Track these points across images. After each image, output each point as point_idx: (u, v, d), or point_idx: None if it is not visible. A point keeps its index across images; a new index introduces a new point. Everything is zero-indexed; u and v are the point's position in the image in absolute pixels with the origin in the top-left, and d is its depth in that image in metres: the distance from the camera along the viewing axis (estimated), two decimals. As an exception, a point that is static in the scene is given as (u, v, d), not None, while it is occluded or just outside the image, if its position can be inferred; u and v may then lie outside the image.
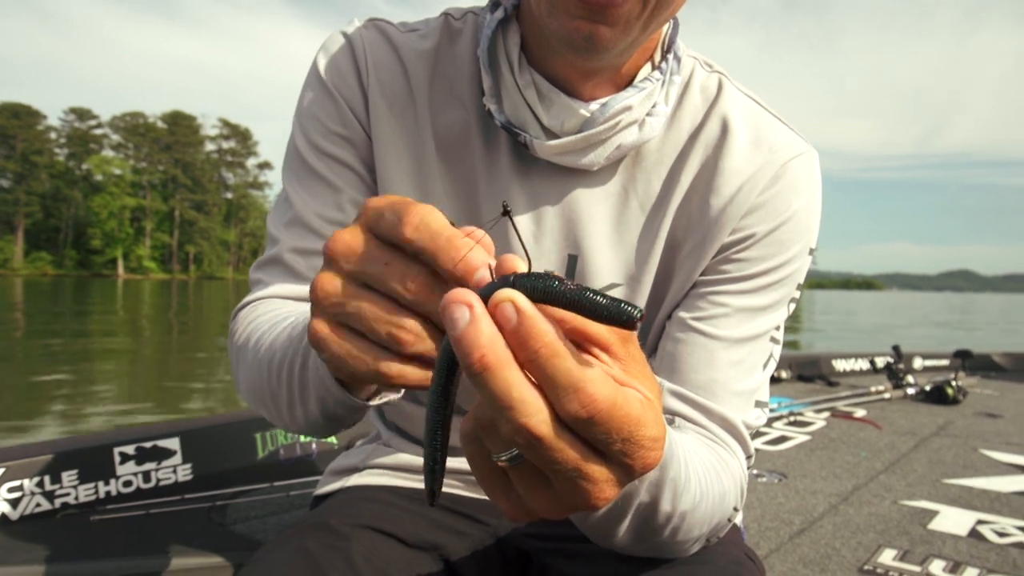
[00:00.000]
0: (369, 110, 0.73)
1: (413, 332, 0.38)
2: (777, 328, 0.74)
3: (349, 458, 0.90)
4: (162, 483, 1.78)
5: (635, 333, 0.36)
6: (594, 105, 0.69)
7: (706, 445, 0.66)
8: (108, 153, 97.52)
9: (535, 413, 0.32)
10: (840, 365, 4.49)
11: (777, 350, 0.76)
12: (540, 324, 0.32)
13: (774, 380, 4.16)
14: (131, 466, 1.75)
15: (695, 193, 0.73)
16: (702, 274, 0.73)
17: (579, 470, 0.35)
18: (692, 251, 0.73)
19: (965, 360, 4.11)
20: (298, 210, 0.73)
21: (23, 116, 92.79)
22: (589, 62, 0.66)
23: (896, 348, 4.13)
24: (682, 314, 0.72)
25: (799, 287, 0.76)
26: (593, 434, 0.34)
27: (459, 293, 0.32)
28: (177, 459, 1.82)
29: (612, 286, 0.75)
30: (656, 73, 0.71)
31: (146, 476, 1.77)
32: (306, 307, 0.69)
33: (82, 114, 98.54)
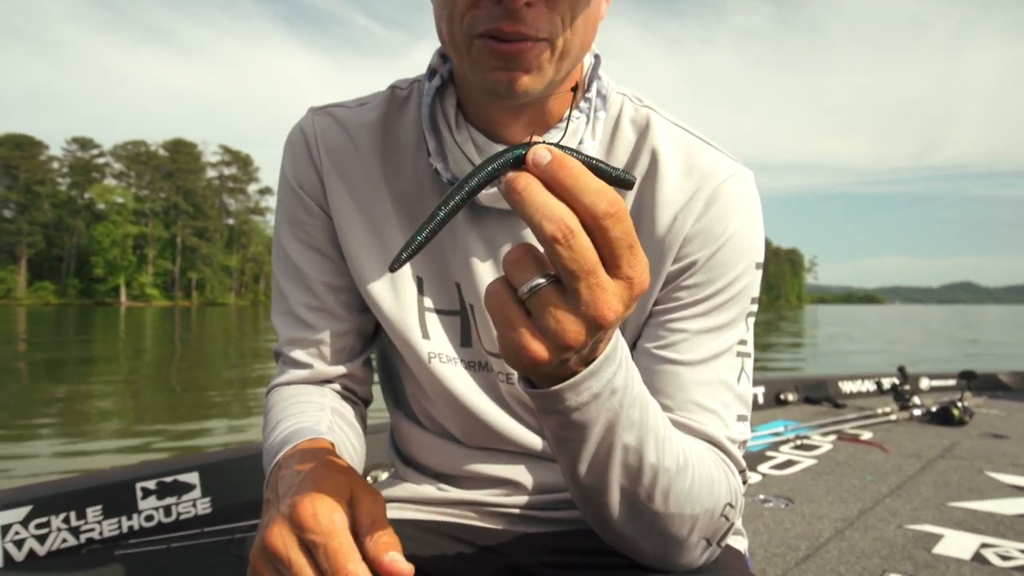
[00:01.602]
0: (326, 191, 0.82)
1: None
2: (742, 342, 0.77)
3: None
4: (182, 517, 1.82)
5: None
6: None
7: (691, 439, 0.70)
8: (110, 182, 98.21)
9: (566, 214, 0.43)
10: (847, 387, 4.50)
11: (748, 362, 0.78)
12: (567, 157, 0.44)
13: (780, 403, 4.18)
14: (152, 501, 1.79)
15: (635, 222, 0.76)
16: (657, 303, 0.77)
17: (595, 275, 0.44)
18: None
19: (970, 381, 4.13)
20: (288, 303, 0.86)
21: (25, 147, 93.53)
22: (514, 106, 0.73)
23: (902, 369, 4.15)
24: (646, 345, 0.75)
25: (754, 300, 0.78)
26: (615, 231, 0.44)
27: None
28: (197, 493, 1.86)
29: None
30: (577, 113, 0.76)
31: (167, 510, 1.81)
32: (329, 371, 0.86)
33: (84, 143, 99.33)
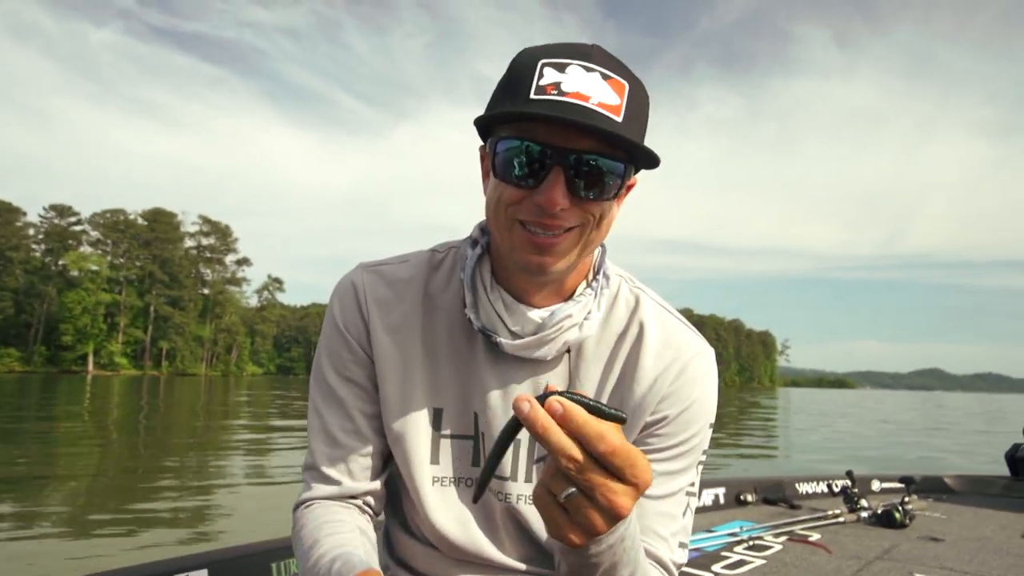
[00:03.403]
0: (370, 336, 0.97)
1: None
2: (692, 484, 0.96)
3: None
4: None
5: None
6: (545, 312, 0.92)
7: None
8: (86, 249, 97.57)
9: (575, 452, 0.60)
10: (802, 488, 4.72)
11: (693, 500, 0.98)
12: (574, 408, 0.61)
13: (740, 503, 4.41)
14: (166, 600, 1.98)
15: (624, 379, 0.95)
16: (635, 443, 0.93)
17: (608, 487, 0.61)
18: (625, 427, 0.93)
19: (909, 485, 4.38)
20: (326, 423, 0.98)
21: (2, 213, 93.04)
22: (540, 281, 0.90)
23: (849, 473, 4.43)
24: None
25: (704, 452, 0.98)
26: (614, 463, 0.61)
27: (521, 395, 0.61)
28: (205, 589, 2.06)
29: None
30: (588, 290, 0.95)
31: (177, 609, 2.00)
32: (358, 487, 0.97)
33: (62, 211, 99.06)
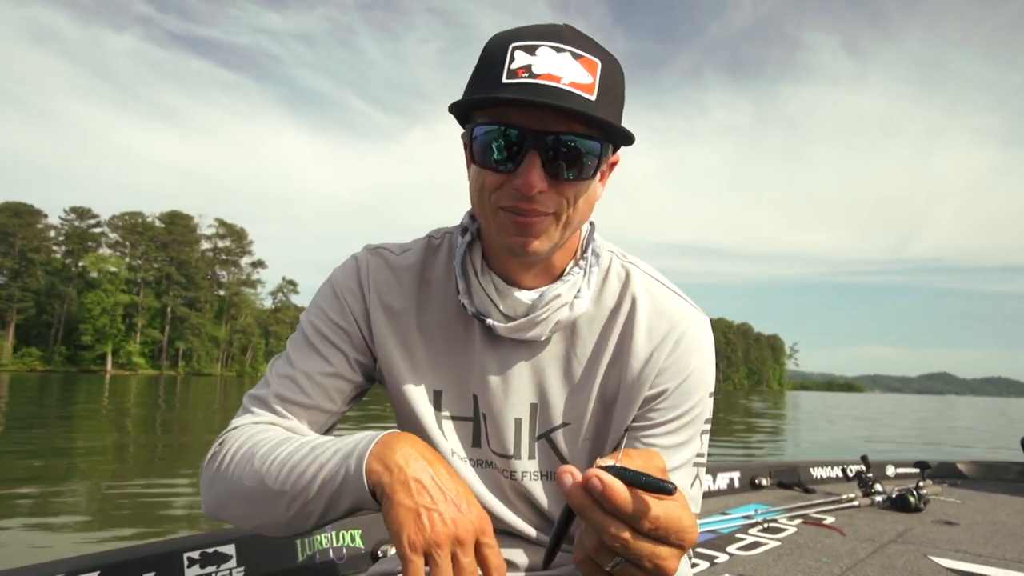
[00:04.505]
0: (370, 316, 0.98)
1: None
2: (699, 455, 0.96)
3: (385, 564, 1.06)
4: (221, 583, 2.09)
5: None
6: (534, 294, 0.92)
7: None
8: (105, 251, 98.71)
9: (621, 528, 0.59)
10: (817, 472, 4.73)
11: (702, 470, 0.97)
12: (615, 487, 0.58)
13: (756, 487, 4.44)
14: (196, 569, 2.06)
15: (619, 355, 0.95)
16: (635, 420, 0.94)
17: (655, 553, 0.61)
18: (624, 403, 0.94)
19: (924, 470, 4.38)
20: (293, 368, 0.95)
21: (24, 215, 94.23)
22: (527, 261, 0.91)
23: (864, 458, 4.44)
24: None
25: (707, 421, 0.97)
26: (659, 534, 0.60)
27: (566, 467, 0.61)
28: (233, 563, 2.13)
29: (564, 424, 0.96)
30: (576, 268, 0.95)
31: (208, 578, 2.08)
32: (303, 429, 0.94)
33: (82, 213, 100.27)
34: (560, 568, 0.98)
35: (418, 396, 0.97)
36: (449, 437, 0.98)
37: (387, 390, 1.00)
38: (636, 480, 0.58)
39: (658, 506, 0.59)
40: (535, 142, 0.79)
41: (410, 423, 0.98)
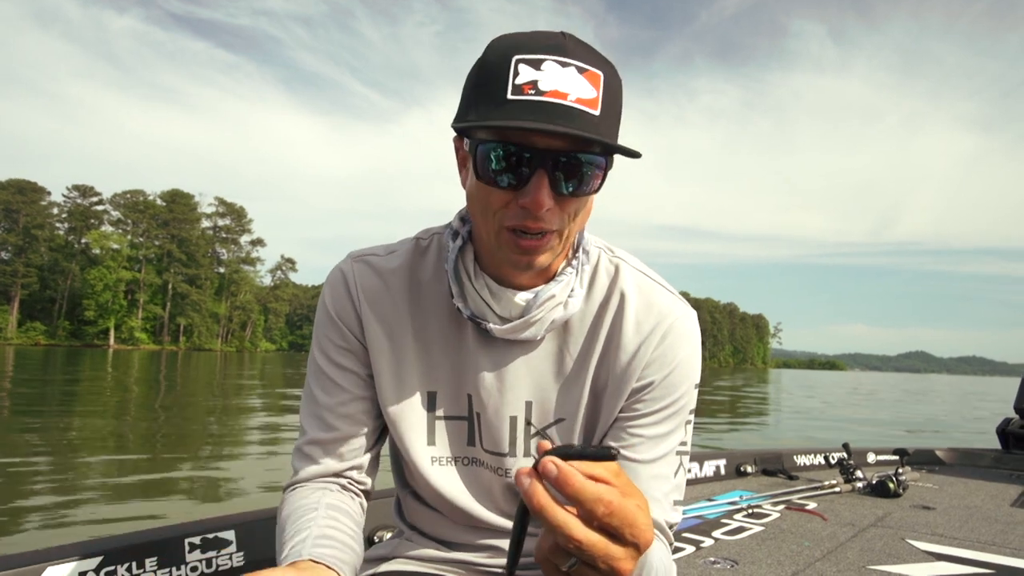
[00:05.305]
0: (362, 324, 0.98)
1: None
2: (682, 443, 0.96)
3: (379, 549, 1.09)
4: (220, 568, 2.16)
5: (620, 465, 0.63)
6: (529, 295, 0.92)
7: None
8: (107, 228, 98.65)
9: (575, 526, 0.56)
10: (800, 460, 4.77)
11: (686, 459, 0.98)
12: (568, 468, 0.56)
13: (741, 474, 4.50)
14: (197, 554, 2.14)
15: (608, 349, 0.95)
16: (622, 411, 0.94)
17: (609, 553, 0.57)
18: (612, 394, 0.95)
19: (903, 457, 4.45)
20: (318, 405, 0.99)
21: (28, 192, 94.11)
22: (526, 274, 0.91)
23: (846, 445, 4.51)
24: (610, 444, 0.93)
25: (691, 412, 0.97)
26: (612, 524, 0.56)
27: (523, 469, 0.58)
28: (233, 548, 2.22)
29: (559, 420, 0.97)
30: (569, 268, 0.95)
31: (208, 563, 2.15)
32: (350, 457, 0.98)
33: (85, 191, 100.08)
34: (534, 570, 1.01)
35: (410, 400, 0.98)
36: (439, 440, 1.00)
37: (378, 392, 1.00)
38: (581, 453, 0.59)
39: (613, 495, 0.57)
40: (543, 161, 0.78)
41: (396, 426, 0.99)
